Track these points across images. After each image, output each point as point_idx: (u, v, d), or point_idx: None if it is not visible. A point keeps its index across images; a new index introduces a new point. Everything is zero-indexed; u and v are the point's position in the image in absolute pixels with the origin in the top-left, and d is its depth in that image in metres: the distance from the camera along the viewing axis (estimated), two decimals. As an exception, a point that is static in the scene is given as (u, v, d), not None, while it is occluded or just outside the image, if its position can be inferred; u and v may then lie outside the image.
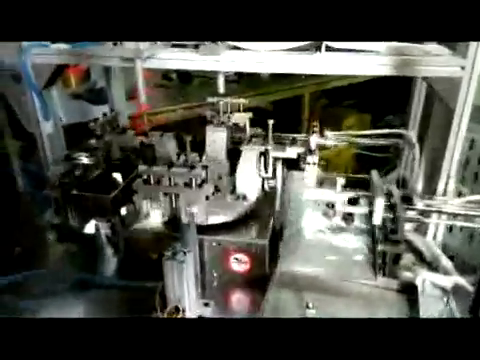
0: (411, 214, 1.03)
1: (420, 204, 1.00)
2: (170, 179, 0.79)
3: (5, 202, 1.29)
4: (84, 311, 0.98)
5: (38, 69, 1.13)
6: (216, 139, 1.13)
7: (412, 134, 1.27)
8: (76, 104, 2.08)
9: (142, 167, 0.79)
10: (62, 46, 1.10)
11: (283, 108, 3.16)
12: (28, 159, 1.56)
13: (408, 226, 1.16)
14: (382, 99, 3.23)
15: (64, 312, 0.97)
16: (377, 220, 0.99)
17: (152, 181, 0.79)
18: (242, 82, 2.58)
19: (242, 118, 1.21)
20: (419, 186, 1.16)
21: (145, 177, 0.78)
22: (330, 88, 3.02)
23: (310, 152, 0.97)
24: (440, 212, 0.98)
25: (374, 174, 1.14)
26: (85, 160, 1.14)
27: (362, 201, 1.15)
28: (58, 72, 1.17)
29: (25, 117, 1.87)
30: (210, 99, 1.26)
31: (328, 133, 1.25)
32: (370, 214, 1.03)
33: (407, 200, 1.02)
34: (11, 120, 1.93)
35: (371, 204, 1.02)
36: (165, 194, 0.81)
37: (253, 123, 1.25)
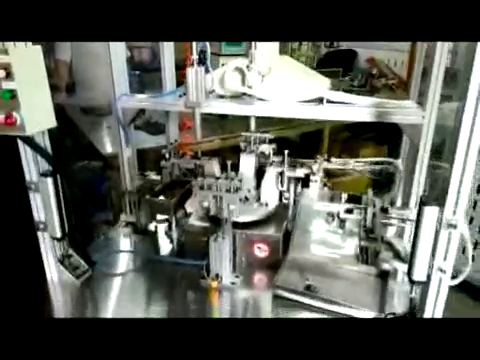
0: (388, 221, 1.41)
1: (393, 213, 1.38)
2: (216, 187, 1.22)
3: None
4: (151, 282, 1.41)
5: (125, 111, 1.62)
6: (247, 163, 1.57)
7: (399, 162, 1.66)
8: (136, 134, 2.59)
9: (200, 178, 1.23)
10: (143, 96, 1.59)
11: (308, 140, 3.62)
12: (106, 175, 2.05)
13: (391, 232, 1.54)
14: (398, 133, 3.62)
15: (138, 282, 1.40)
16: (368, 223, 1.40)
17: (205, 187, 1.23)
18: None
19: (267, 148, 1.64)
20: (399, 201, 1.54)
21: (201, 185, 1.22)
22: (351, 123, 3.44)
23: (313, 173, 1.39)
24: (404, 219, 1.36)
25: (369, 192, 1.53)
26: (153, 177, 1.60)
27: (355, 211, 1.54)
28: (138, 113, 1.65)
29: (99, 142, 2.41)
30: (244, 133, 1.70)
31: (333, 159, 1.67)
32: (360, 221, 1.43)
33: (385, 210, 1.41)
34: (85, 146, 2.46)
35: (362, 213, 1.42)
36: (214, 197, 1.24)
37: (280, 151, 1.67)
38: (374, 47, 4.11)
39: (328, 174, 1.78)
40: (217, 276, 1.29)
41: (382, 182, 2.13)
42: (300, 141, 3.84)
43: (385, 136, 3.69)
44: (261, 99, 1.47)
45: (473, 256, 1.12)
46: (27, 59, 1.11)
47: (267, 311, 1.26)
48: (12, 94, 1.07)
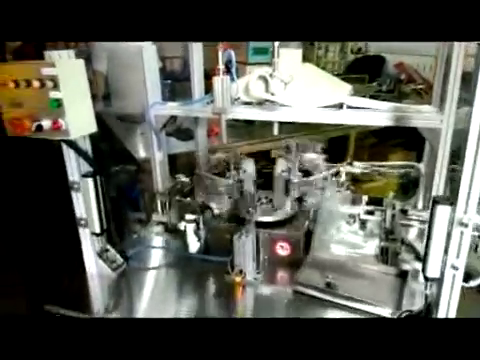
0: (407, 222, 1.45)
1: (412, 215, 1.42)
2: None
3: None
4: (181, 276, 1.51)
5: (157, 118, 1.74)
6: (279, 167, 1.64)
7: (421, 166, 1.69)
8: (167, 140, 2.73)
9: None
10: (174, 104, 1.71)
11: (336, 145, 3.66)
12: (139, 178, 2.19)
13: (413, 234, 1.57)
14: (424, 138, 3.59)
15: (168, 276, 1.51)
16: (387, 224, 1.45)
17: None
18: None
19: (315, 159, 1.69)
20: (420, 203, 1.57)
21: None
22: (376, 129, 3.45)
23: (325, 179, 1.47)
24: (422, 221, 1.39)
25: (390, 195, 1.57)
26: (183, 179, 1.72)
27: (376, 213, 1.59)
28: (169, 120, 1.77)
29: (133, 148, 2.56)
30: (287, 139, 1.77)
31: (356, 163, 1.72)
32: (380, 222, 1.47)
33: (404, 212, 1.45)
34: (120, 151, 2.61)
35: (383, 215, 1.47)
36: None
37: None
38: (402, 52, 4.08)
39: (355, 179, 1.83)
40: (241, 272, 1.37)
41: (408, 186, 2.16)
42: (328, 147, 3.87)
43: (414, 142, 3.66)
44: (284, 105, 1.55)
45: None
46: (72, 71, 1.25)
47: (288, 306, 1.32)
48: (58, 103, 1.20)
